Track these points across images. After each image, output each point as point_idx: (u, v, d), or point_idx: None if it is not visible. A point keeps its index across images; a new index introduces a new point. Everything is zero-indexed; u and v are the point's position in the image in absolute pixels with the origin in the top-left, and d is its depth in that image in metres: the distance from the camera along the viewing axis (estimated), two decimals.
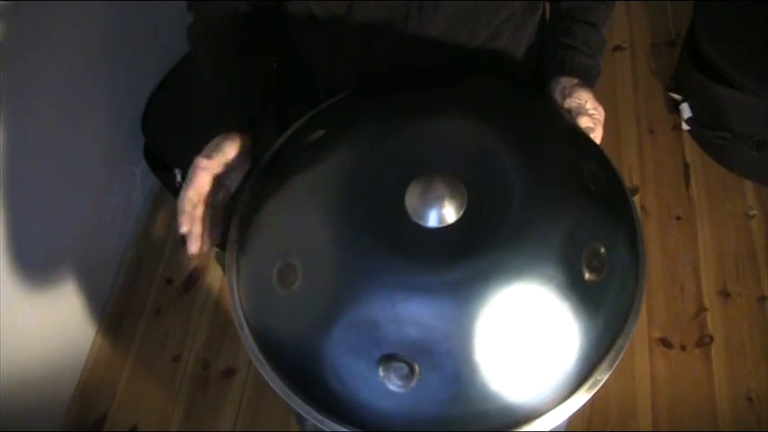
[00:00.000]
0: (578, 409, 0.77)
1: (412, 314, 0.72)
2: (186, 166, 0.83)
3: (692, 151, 1.98)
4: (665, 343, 1.66)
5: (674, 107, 2.01)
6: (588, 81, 0.94)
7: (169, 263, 1.86)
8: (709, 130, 1.92)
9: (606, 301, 0.77)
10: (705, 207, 1.88)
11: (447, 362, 0.72)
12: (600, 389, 0.77)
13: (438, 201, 0.75)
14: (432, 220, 0.75)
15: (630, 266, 0.80)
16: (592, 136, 0.89)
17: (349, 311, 0.73)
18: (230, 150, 0.83)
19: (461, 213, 0.75)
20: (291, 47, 1.01)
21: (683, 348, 1.65)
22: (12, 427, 1.41)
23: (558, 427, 0.79)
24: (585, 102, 0.90)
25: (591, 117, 0.90)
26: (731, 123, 1.86)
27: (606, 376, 0.77)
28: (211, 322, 1.76)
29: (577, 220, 0.76)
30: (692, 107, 1.96)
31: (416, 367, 0.72)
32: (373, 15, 0.89)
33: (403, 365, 0.72)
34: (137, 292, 1.82)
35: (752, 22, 1.88)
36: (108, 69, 1.69)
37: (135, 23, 1.77)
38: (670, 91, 2.05)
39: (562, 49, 0.96)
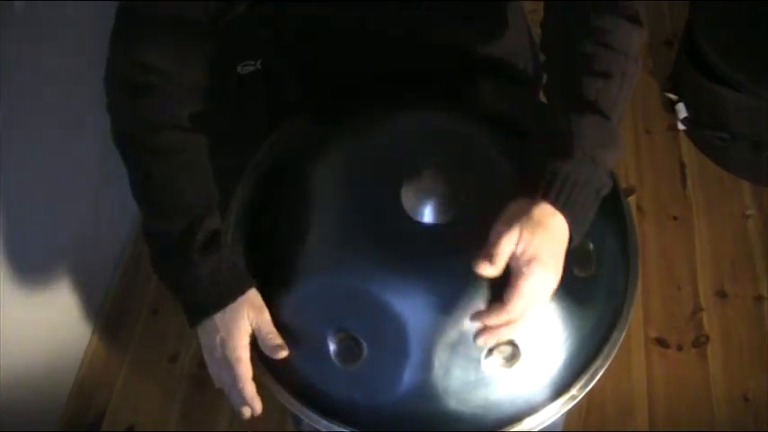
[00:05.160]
0: (572, 406, 0.77)
1: (388, 295, 0.72)
2: None
3: (688, 151, 1.98)
4: (662, 343, 1.66)
5: (671, 107, 2.01)
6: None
7: None
8: (705, 130, 1.92)
9: (597, 297, 0.77)
10: (702, 207, 1.88)
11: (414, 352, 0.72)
12: (594, 388, 0.78)
13: (431, 196, 0.75)
14: (427, 216, 0.76)
15: (622, 263, 0.81)
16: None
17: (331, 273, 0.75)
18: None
19: (453, 212, 0.76)
20: (283, 48, 1.01)
21: (680, 348, 1.65)
22: (8, 427, 1.41)
23: (553, 426, 0.79)
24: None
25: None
26: (728, 123, 1.86)
27: (597, 377, 0.77)
28: None
29: None
30: (688, 107, 1.96)
31: (365, 348, 0.72)
32: (359, 14, 0.89)
33: (354, 345, 0.72)
34: (134, 291, 1.82)
35: (749, 21, 1.88)
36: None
37: None
38: (666, 91, 2.05)
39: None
